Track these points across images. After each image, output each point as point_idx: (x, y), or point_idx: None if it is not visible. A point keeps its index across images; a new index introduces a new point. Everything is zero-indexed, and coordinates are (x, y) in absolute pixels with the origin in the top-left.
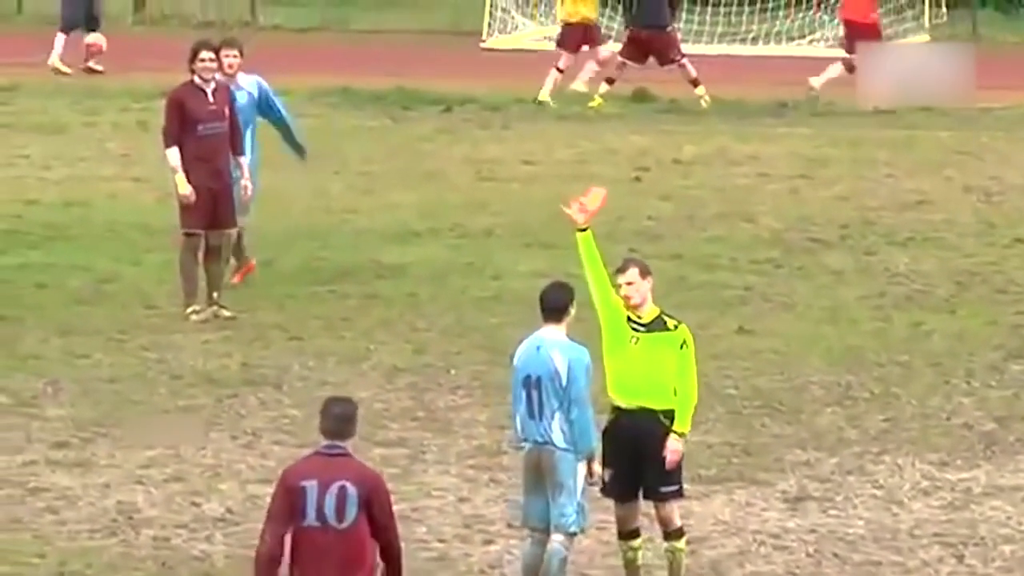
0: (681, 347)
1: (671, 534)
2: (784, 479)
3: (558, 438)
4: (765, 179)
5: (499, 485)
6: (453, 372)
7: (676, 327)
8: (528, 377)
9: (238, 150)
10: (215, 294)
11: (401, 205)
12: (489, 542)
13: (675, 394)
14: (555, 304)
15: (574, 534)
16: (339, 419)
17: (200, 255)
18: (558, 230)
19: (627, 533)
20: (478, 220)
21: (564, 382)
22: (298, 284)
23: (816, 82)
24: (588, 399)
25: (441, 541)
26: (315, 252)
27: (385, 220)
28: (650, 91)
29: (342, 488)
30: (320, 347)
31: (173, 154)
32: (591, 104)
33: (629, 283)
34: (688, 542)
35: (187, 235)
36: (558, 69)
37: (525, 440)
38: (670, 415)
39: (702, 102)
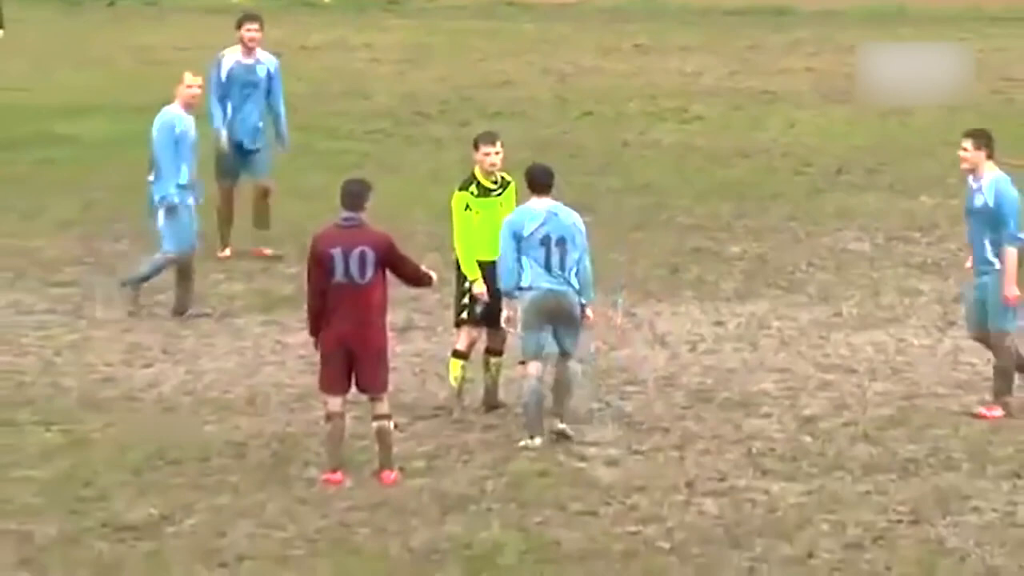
0: None
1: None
2: (393, 312)
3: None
4: (378, 63)
5: (156, 318)
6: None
7: None
8: (548, 236)
9: None
10: None
11: (71, 86)
12: (148, 366)
13: None
14: (545, 180)
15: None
16: (351, 195)
17: None
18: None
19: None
20: (139, 98)
21: (584, 240)
22: None
23: None
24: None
25: (108, 365)
26: None
27: (58, 98)
28: None
29: (362, 252)
30: None
31: None
32: None
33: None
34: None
35: None
36: None
37: (531, 288)
38: None
39: None
